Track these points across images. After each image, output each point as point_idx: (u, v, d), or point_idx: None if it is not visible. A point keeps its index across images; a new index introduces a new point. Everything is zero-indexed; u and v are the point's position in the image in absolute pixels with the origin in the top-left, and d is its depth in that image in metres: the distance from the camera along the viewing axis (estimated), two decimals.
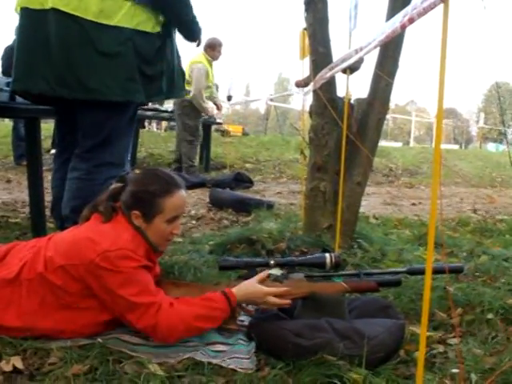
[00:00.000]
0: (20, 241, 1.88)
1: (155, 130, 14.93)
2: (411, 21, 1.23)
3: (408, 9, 1.24)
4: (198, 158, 6.12)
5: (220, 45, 6.06)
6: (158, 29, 2.10)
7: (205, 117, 6.20)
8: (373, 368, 1.39)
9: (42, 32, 1.98)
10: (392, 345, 1.48)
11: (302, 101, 4.41)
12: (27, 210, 3.25)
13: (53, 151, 5.89)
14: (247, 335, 1.60)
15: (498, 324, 1.74)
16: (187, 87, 5.38)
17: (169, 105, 8.30)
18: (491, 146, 24.69)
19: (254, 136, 13.71)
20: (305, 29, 2.92)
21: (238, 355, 1.48)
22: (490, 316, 1.79)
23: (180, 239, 2.86)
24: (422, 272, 1.56)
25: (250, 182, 5.70)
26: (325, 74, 2.43)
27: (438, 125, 1.14)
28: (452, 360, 1.51)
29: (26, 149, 2.72)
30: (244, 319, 1.71)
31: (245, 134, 14.95)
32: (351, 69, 2.37)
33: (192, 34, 2.33)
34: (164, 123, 14.71)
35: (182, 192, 1.63)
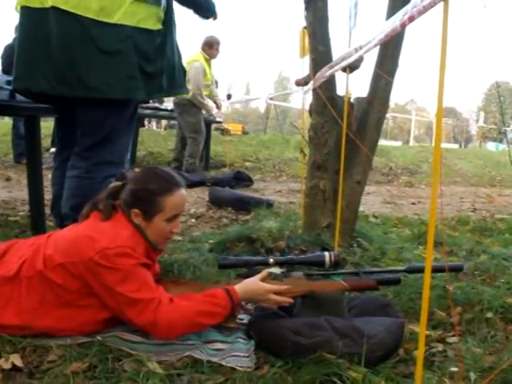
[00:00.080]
0: (19, 239, 1.88)
1: (155, 128, 14.94)
2: (411, 19, 1.23)
3: (408, 7, 1.24)
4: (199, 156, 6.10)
5: (218, 43, 6.03)
6: (159, 26, 2.10)
7: (205, 115, 6.19)
8: (372, 366, 1.39)
9: (43, 30, 1.98)
10: (391, 343, 1.48)
11: (301, 99, 4.42)
12: (27, 208, 3.25)
13: (52, 150, 5.89)
14: (246, 333, 1.60)
15: (498, 323, 1.75)
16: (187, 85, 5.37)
17: (168, 103, 8.31)
18: (491, 145, 24.65)
19: (254, 135, 13.72)
20: (305, 27, 2.92)
21: (238, 353, 1.48)
22: (489, 315, 1.79)
23: (179, 238, 2.86)
24: (421, 271, 1.56)
25: (250, 181, 5.70)
26: (325, 72, 2.43)
27: (438, 124, 1.14)
28: (451, 359, 1.51)
29: (26, 147, 2.71)
30: (243, 317, 1.71)
31: (245, 132, 14.91)
32: (351, 67, 2.36)
33: (207, 9, 2.34)
34: (164, 122, 14.70)
35: (182, 191, 1.63)
